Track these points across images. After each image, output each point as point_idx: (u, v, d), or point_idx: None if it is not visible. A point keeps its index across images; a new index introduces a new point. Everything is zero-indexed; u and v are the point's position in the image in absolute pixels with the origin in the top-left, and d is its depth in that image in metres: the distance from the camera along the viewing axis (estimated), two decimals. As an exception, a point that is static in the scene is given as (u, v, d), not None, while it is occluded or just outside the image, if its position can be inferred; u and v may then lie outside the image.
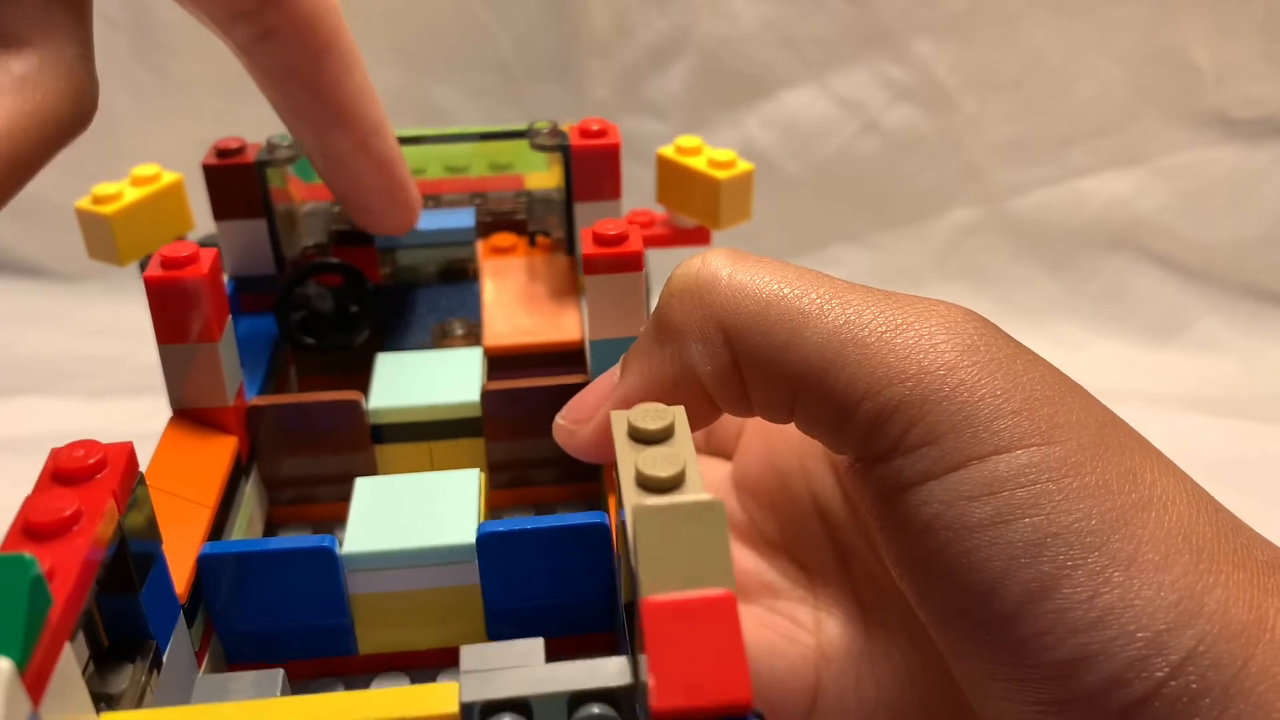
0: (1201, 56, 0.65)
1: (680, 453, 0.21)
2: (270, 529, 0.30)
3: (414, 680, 0.26)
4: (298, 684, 0.26)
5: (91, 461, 0.20)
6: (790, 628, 0.29)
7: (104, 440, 0.21)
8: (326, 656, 0.26)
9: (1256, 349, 0.66)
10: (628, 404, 0.25)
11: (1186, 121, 0.67)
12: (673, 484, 0.20)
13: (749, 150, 0.66)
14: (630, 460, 0.21)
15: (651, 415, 0.22)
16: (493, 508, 0.30)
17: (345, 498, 0.27)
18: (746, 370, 0.24)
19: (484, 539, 0.24)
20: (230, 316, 0.28)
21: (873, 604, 0.29)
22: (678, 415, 0.22)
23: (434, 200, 0.37)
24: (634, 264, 0.27)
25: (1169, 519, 0.21)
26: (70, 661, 0.17)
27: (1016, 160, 0.68)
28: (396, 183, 0.31)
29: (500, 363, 0.32)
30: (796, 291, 0.23)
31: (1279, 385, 0.64)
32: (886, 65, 0.66)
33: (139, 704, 0.21)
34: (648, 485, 0.20)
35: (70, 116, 0.21)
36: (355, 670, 0.26)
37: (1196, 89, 0.66)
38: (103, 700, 0.20)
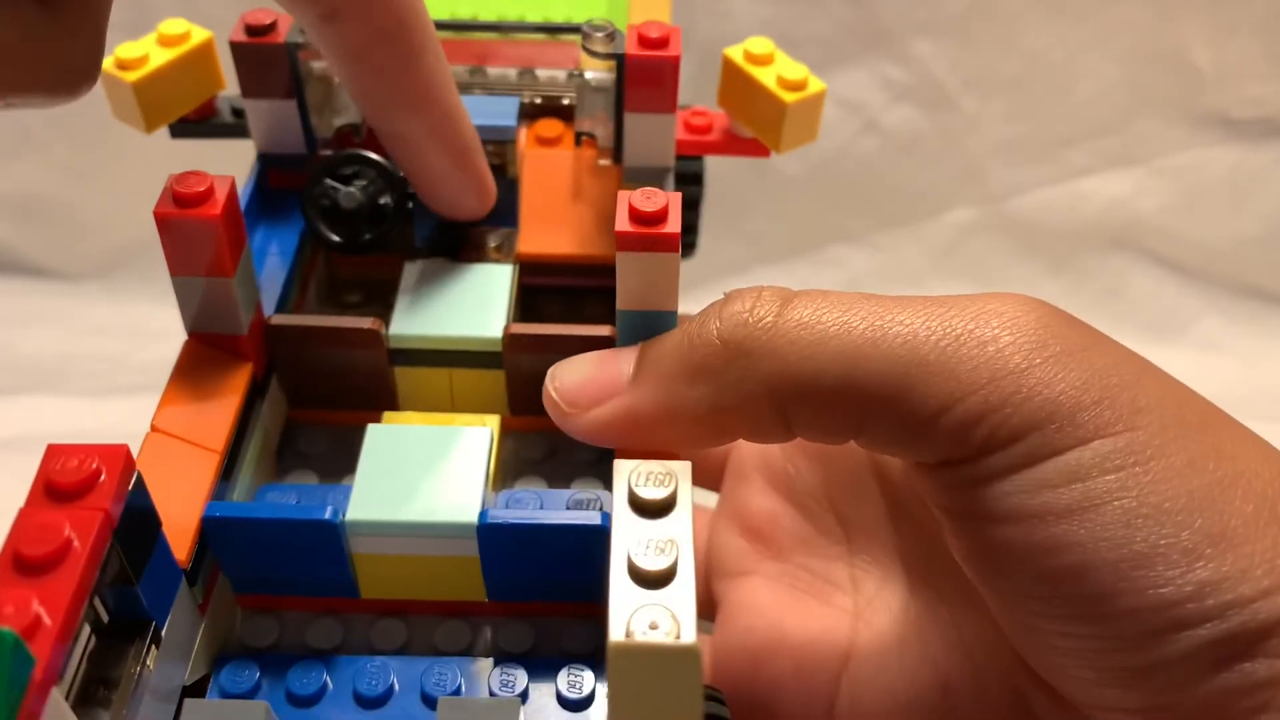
0: (1201, 56, 0.65)
1: (675, 537, 0.21)
2: (289, 432, 0.30)
3: (411, 628, 0.26)
4: (302, 619, 0.26)
5: (86, 473, 0.20)
6: (825, 587, 0.29)
7: (106, 441, 0.21)
8: (330, 597, 0.26)
9: (1256, 349, 0.66)
10: (634, 422, 0.25)
11: (1186, 121, 0.67)
12: (663, 579, 0.20)
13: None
14: (624, 538, 0.21)
15: (654, 479, 0.22)
16: (508, 431, 0.30)
17: (365, 407, 0.28)
18: (796, 418, 0.23)
19: (484, 529, 0.24)
20: (247, 244, 0.27)
21: (921, 562, 0.28)
22: (680, 480, 0.22)
23: (480, 74, 0.34)
24: (670, 245, 0.25)
25: (1256, 491, 0.21)
26: (58, 703, 0.18)
27: (1016, 160, 0.68)
28: (469, 171, 0.30)
29: (532, 269, 0.31)
30: (849, 326, 0.23)
31: (1279, 385, 0.64)
32: (886, 65, 0.66)
33: (137, 685, 0.21)
34: (638, 577, 0.20)
35: (66, 85, 0.21)
36: (356, 611, 0.27)
37: (1196, 89, 0.66)
38: (102, 685, 0.20)
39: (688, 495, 0.22)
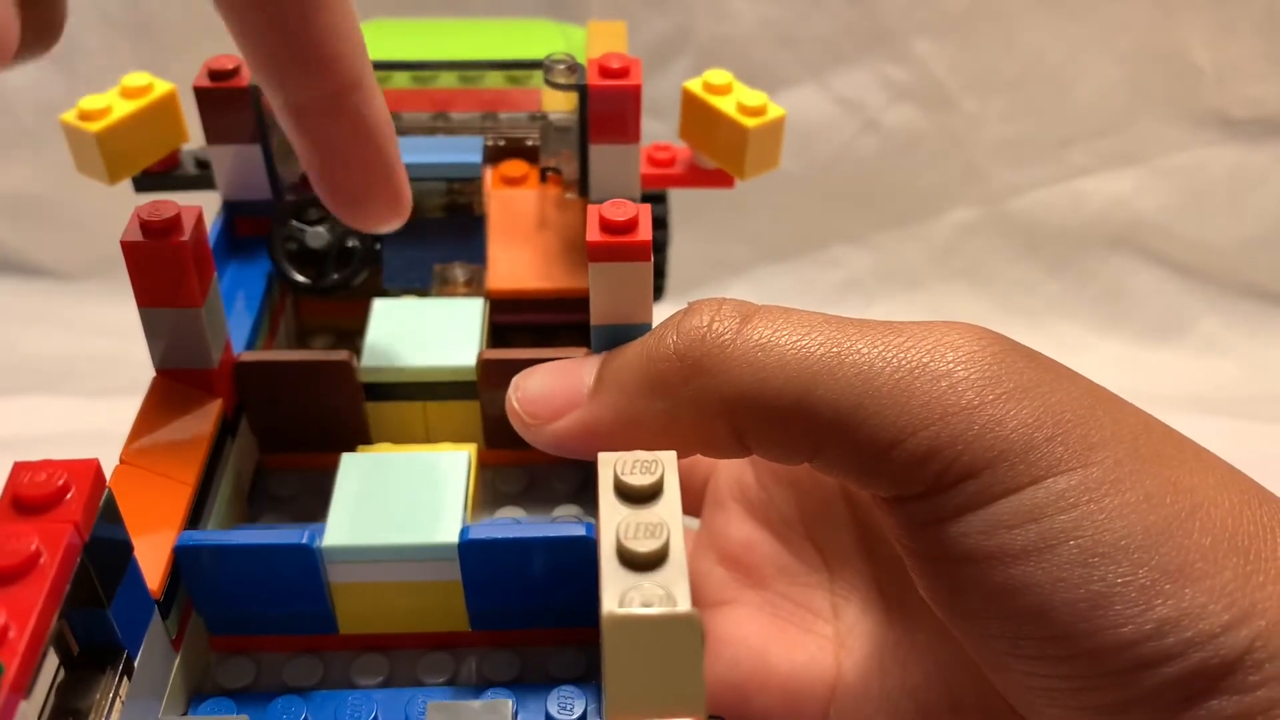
0: (1201, 56, 0.65)
1: (665, 520, 0.21)
2: (260, 477, 0.30)
3: (392, 662, 0.26)
4: (279, 659, 0.26)
5: (54, 486, 0.19)
6: (806, 616, 0.29)
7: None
8: (308, 634, 0.26)
9: (1256, 349, 0.66)
10: (593, 434, 0.24)
11: (1186, 121, 0.67)
12: (654, 560, 0.20)
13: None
14: (613, 523, 0.21)
15: (640, 467, 0.22)
16: (485, 465, 0.30)
17: (338, 446, 0.27)
18: (751, 437, 0.23)
19: (466, 546, 0.24)
20: (215, 275, 0.26)
21: (895, 588, 0.28)
22: (667, 467, 0.22)
23: (443, 119, 0.34)
24: (642, 254, 0.25)
25: (1214, 523, 0.21)
26: (27, 718, 0.17)
27: (1016, 160, 0.68)
28: (379, 160, 0.26)
29: (503, 306, 0.31)
30: (806, 350, 0.23)
31: (1279, 385, 0.64)
32: (886, 65, 0.66)
33: (108, 716, 0.20)
34: (628, 560, 0.20)
35: (25, 44, 0.19)
36: (335, 649, 0.26)
37: (1196, 89, 0.66)
38: (71, 715, 0.20)
39: (675, 481, 0.22)
